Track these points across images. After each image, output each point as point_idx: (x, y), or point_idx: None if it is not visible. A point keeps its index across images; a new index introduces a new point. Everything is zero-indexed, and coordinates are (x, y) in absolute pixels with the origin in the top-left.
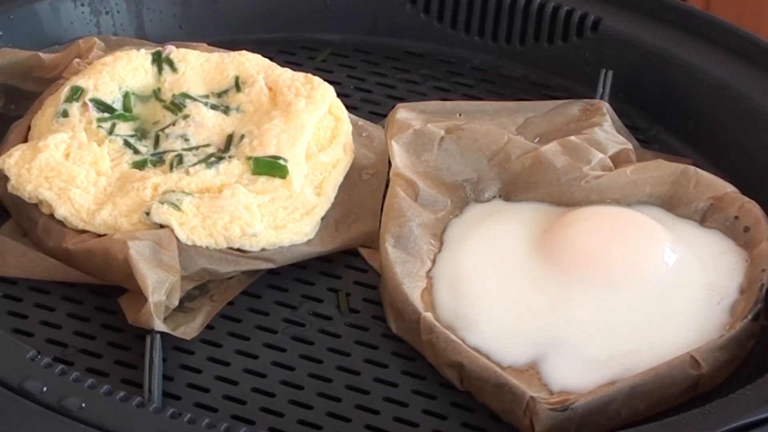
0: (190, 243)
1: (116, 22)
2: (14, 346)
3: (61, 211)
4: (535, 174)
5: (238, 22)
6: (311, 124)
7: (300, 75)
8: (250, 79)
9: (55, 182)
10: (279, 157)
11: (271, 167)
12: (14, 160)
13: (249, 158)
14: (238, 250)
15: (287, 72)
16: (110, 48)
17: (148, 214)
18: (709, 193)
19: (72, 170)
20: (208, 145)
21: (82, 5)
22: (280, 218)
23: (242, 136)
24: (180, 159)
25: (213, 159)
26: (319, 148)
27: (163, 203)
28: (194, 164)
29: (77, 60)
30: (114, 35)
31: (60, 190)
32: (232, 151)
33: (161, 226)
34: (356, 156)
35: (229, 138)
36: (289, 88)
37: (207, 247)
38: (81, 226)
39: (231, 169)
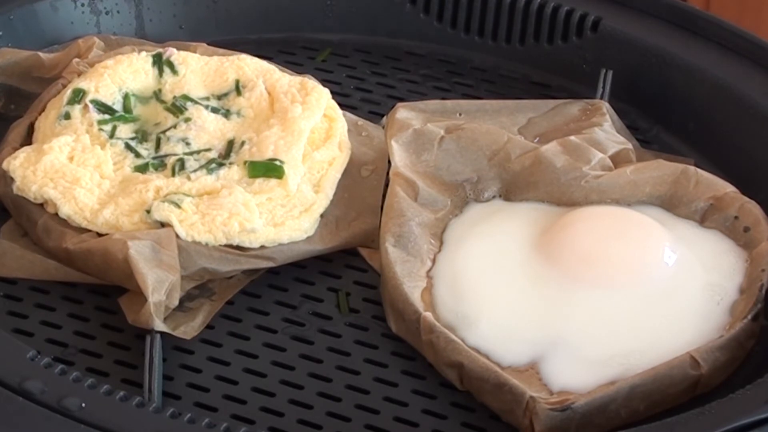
0: (189, 239)
1: (116, 22)
2: (14, 346)
3: (66, 210)
4: (535, 174)
5: (238, 22)
6: (308, 129)
7: (296, 80)
8: (251, 83)
9: (60, 182)
10: (275, 159)
11: (267, 168)
12: (19, 161)
13: (245, 162)
14: (238, 248)
15: (284, 77)
16: (110, 47)
17: (148, 212)
18: (709, 193)
19: (76, 172)
20: (209, 150)
21: (82, 5)
22: (278, 216)
23: (243, 143)
24: (182, 164)
25: (214, 165)
26: (313, 148)
27: (163, 202)
28: (196, 170)
29: (77, 60)
30: (114, 35)
31: (65, 189)
32: (233, 157)
33: (162, 225)
34: (355, 153)
35: (230, 144)
36: (285, 95)
37: (206, 245)
38: (84, 224)
39: (231, 174)
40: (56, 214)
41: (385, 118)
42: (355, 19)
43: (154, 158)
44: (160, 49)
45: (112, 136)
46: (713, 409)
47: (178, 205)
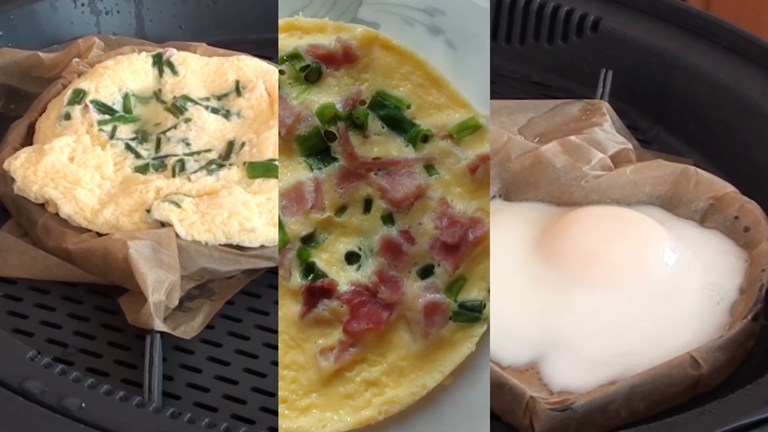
0: (189, 239)
1: (116, 22)
2: (14, 346)
3: (66, 210)
4: (535, 174)
5: (238, 22)
6: None
7: None
8: (250, 83)
9: (60, 183)
10: (275, 159)
11: (266, 169)
12: (20, 162)
13: (245, 163)
14: (238, 247)
15: None
16: (110, 47)
17: (149, 212)
18: (709, 193)
19: (77, 173)
20: (209, 150)
21: (82, 5)
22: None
23: (243, 144)
24: (182, 164)
25: (214, 166)
26: None
27: (163, 202)
28: (196, 171)
29: (76, 60)
30: (114, 35)
31: (65, 189)
32: (233, 158)
33: (162, 225)
34: None
35: (230, 145)
36: None
37: (206, 244)
38: (84, 224)
39: (231, 175)
40: (56, 214)
41: None
42: None
43: (154, 159)
44: (160, 50)
45: (112, 136)
46: (713, 409)
47: (178, 205)
